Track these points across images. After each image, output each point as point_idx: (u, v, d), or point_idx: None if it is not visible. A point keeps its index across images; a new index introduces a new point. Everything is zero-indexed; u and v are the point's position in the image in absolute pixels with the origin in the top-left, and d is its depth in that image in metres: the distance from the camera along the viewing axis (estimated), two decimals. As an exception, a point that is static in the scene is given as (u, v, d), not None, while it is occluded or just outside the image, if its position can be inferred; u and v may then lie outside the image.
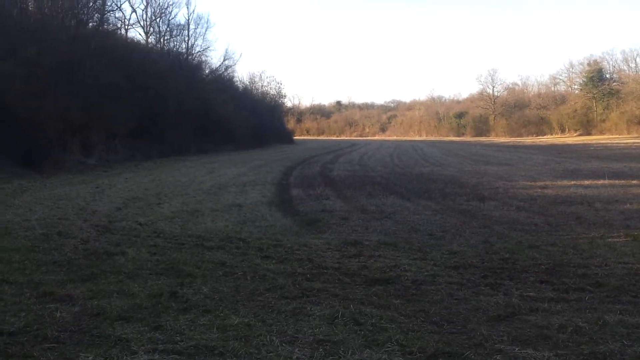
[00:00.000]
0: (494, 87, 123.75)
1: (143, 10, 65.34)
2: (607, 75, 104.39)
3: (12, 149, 28.78)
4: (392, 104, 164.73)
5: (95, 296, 7.28)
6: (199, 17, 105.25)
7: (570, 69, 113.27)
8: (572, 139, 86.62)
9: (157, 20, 61.83)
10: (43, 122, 32.01)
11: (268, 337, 5.85)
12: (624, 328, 6.12)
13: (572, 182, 23.59)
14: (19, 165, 28.73)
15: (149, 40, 61.16)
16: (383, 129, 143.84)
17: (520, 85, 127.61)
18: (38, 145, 30.62)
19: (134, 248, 10.58)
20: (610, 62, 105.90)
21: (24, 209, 16.32)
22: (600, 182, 23.33)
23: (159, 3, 61.55)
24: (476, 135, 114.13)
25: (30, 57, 31.33)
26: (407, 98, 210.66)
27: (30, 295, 7.30)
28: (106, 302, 6.97)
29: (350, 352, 5.44)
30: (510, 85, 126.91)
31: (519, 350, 5.54)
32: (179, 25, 65.86)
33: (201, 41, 77.63)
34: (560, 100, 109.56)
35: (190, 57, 66.87)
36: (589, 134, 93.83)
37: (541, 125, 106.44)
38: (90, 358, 5.26)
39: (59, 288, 7.65)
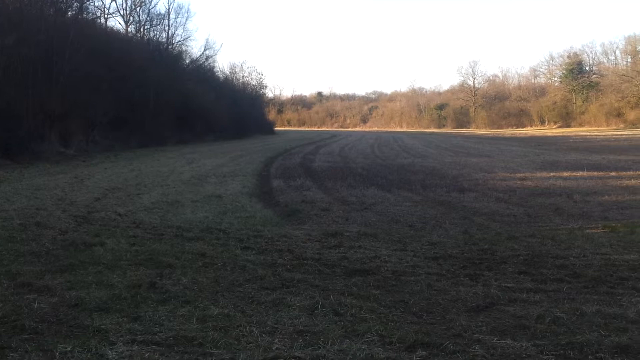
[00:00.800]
0: (474, 78, 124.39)
1: (123, -1, 64.86)
2: (587, 68, 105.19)
3: (-10, 138, 28.49)
4: (373, 95, 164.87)
5: (74, 287, 7.22)
6: (180, 7, 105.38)
7: (550, 61, 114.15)
8: (551, 131, 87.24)
9: (137, 9, 61.37)
10: (21, 111, 31.73)
11: (248, 327, 5.83)
12: (601, 318, 6.17)
13: (551, 174, 23.77)
14: (-3, 155, 28.44)
15: (129, 29, 60.69)
16: (364, 120, 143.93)
17: (501, 77, 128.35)
18: (16, 135, 30.33)
19: (113, 239, 10.51)
20: (590, 55, 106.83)
21: (1, 199, 16.17)
22: (579, 173, 23.53)
23: (139, -8, 61.00)
24: (457, 127, 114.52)
25: (8, 46, 30.97)
26: (388, 89, 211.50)
27: (8, 286, 7.22)
28: (85, 293, 6.92)
29: (330, 343, 5.44)
30: (491, 77, 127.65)
31: (497, 340, 5.56)
32: (159, 14, 65.47)
33: (181, 31, 77.73)
34: (540, 92, 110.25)
35: (170, 47, 66.45)
36: (568, 126, 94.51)
37: (521, 117, 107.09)
38: (68, 349, 5.21)
39: (37, 279, 7.58)
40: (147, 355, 5.10)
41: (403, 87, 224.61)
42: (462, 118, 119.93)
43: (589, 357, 5.17)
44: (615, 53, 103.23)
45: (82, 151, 37.61)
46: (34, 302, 6.59)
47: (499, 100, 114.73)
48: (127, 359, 5.04)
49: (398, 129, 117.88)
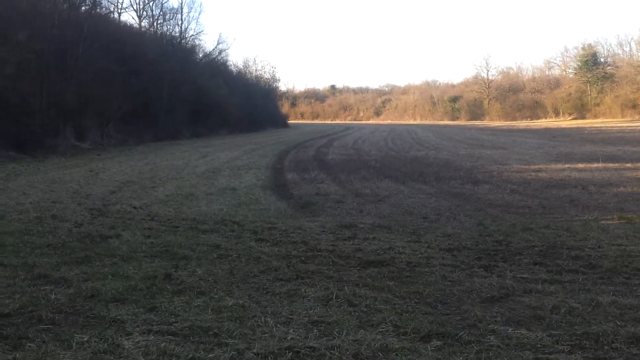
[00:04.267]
0: (488, 71, 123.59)
1: (136, -6, 64.88)
2: (602, 59, 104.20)
3: (6, 133, 28.71)
4: (387, 88, 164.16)
5: (90, 278, 7.28)
6: (192, 1, 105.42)
7: (565, 53, 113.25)
8: (566, 122, 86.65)
9: (150, 3, 61.47)
10: (35, 106, 31.93)
11: (263, 318, 5.86)
12: (617, 309, 6.15)
13: (566, 166, 23.64)
14: (13, 150, 28.68)
15: (142, 24, 60.85)
16: (377, 113, 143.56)
17: (515, 69, 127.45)
18: (31, 129, 30.53)
19: (128, 231, 10.57)
20: (605, 46, 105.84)
21: (18, 193, 16.29)
22: (594, 165, 23.39)
23: (152, -14, 61.10)
24: (471, 119, 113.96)
25: (22, 41, 31.14)
26: (401, 82, 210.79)
27: (25, 278, 7.29)
28: (101, 284, 6.97)
29: (344, 333, 5.46)
30: (505, 69, 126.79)
31: (512, 330, 5.57)
32: (172, 8, 65.87)
33: (194, 25, 78.29)
34: (554, 84, 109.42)
35: (183, 41, 66.50)
36: (583, 117, 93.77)
37: (535, 109, 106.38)
38: (85, 339, 5.26)
39: (54, 270, 7.65)
40: (163, 345, 5.13)
41: (416, 79, 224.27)
42: (476, 110, 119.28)
43: (605, 347, 5.16)
44: (630, 44, 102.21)
45: (97, 145, 37.83)
46: (50, 293, 6.66)
47: (513, 93, 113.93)
48: (143, 349, 5.08)
49: (412, 122, 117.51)
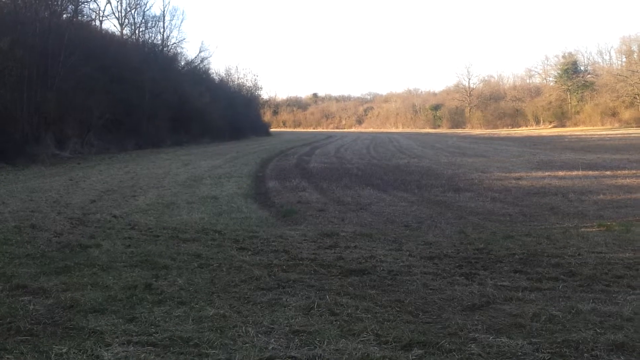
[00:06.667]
0: (469, 79, 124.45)
1: (118, 2, 65.07)
2: (582, 68, 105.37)
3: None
4: (369, 96, 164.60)
5: (69, 289, 7.20)
6: (174, 9, 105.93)
7: (545, 62, 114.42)
8: (546, 130, 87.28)
9: (132, 11, 61.34)
10: (17, 114, 31.68)
11: (244, 328, 5.82)
12: (597, 316, 6.17)
13: (547, 174, 23.79)
14: (-8, 158, 28.39)
15: (124, 31, 60.70)
16: (359, 121, 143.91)
17: (496, 77, 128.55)
18: (12, 138, 30.29)
19: (108, 240, 10.49)
20: (585, 55, 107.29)
21: (-3, 202, 16.12)
22: (574, 173, 23.57)
23: (134, -6, 60.94)
24: (452, 127, 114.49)
25: (3, 48, 30.92)
26: (383, 90, 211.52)
27: (3, 288, 7.20)
28: (80, 295, 6.90)
29: (326, 342, 5.44)
30: (486, 77, 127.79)
31: (493, 338, 5.57)
32: (154, 16, 65.55)
33: (177, 33, 78.45)
34: (535, 92, 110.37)
35: (165, 49, 66.43)
36: (563, 125, 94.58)
37: (516, 117, 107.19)
38: (64, 350, 5.20)
39: (32, 281, 7.56)
40: (142, 356, 5.08)
41: (398, 88, 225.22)
42: (458, 118, 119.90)
43: (585, 355, 5.18)
44: (610, 53, 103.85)
45: (77, 153, 37.57)
46: (29, 303, 6.58)
47: (494, 101, 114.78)
48: (123, 360, 5.03)
49: (393, 130, 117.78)
